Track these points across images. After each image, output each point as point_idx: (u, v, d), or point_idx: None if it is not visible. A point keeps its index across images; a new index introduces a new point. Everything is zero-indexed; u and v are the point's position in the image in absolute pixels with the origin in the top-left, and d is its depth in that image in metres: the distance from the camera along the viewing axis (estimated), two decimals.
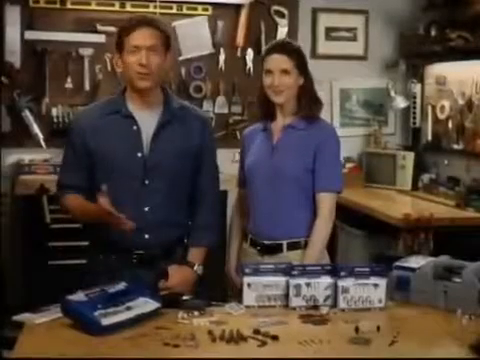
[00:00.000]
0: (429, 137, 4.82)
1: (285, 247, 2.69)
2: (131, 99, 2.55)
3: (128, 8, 4.59)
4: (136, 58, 2.45)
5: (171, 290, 2.49)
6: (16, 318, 2.18)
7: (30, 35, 4.47)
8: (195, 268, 2.60)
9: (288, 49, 2.71)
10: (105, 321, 2.07)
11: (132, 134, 2.51)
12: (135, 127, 2.52)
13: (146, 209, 2.51)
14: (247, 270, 2.40)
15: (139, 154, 2.51)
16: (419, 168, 4.80)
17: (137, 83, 2.48)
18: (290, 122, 2.74)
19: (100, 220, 2.40)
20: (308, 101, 2.73)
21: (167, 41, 2.54)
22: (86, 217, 2.55)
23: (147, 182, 2.51)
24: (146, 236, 2.51)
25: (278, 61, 2.67)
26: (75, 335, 2.06)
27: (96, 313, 2.08)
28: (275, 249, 2.70)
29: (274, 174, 2.69)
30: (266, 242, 2.72)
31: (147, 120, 2.53)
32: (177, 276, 2.54)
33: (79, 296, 2.15)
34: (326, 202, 2.69)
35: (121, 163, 2.50)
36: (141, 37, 2.45)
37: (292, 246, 2.69)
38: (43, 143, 4.49)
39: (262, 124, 2.81)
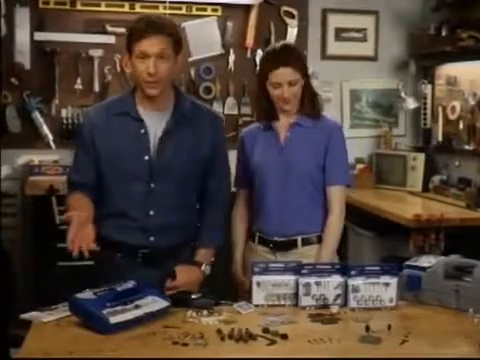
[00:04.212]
0: (440, 138, 4.79)
1: (300, 243, 2.70)
2: (141, 100, 2.52)
3: (138, 9, 4.60)
4: (144, 66, 2.39)
5: (178, 289, 2.46)
6: (24, 316, 2.17)
7: (40, 36, 4.48)
8: (203, 268, 2.58)
9: (291, 60, 2.67)
10: (113, 319, 2.05)
11: (140, 137, 2.49)
12: (143, 130, 2.49)
13: (151, 213, 2.49)
14: (256, 269, 2.38)
15: (146, 157, 2.48)
16: (430, 169, 4.76)
17: (146, 91, 2.46)
18: (296, 120, 2.75)
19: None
20: (310, 98, 2.75)
21: (177, 44, 2.47)
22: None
23: (153, 185, 2.49)
24: (151, 238, 2.49)
25: (285, 74, 2.65)
26: (83, 333, 2.05)
27: (104, 311, 2.07)
28: (289, 245, 2.70)
29: (285, 171, 2.70)
30: (278, 239, 2.72)
31: (156, 122, 2.50)
32: (184, 275, 2.51)
33: (87, 294, 2.14)
34: (338, 196, 2.73)
35: (127, 165, 2.48)
36: (149, 44, 2.38)
37: (306, 241, 2.71)
38: (53, 144, 4.52)
39: (262, 124, 2.80)
